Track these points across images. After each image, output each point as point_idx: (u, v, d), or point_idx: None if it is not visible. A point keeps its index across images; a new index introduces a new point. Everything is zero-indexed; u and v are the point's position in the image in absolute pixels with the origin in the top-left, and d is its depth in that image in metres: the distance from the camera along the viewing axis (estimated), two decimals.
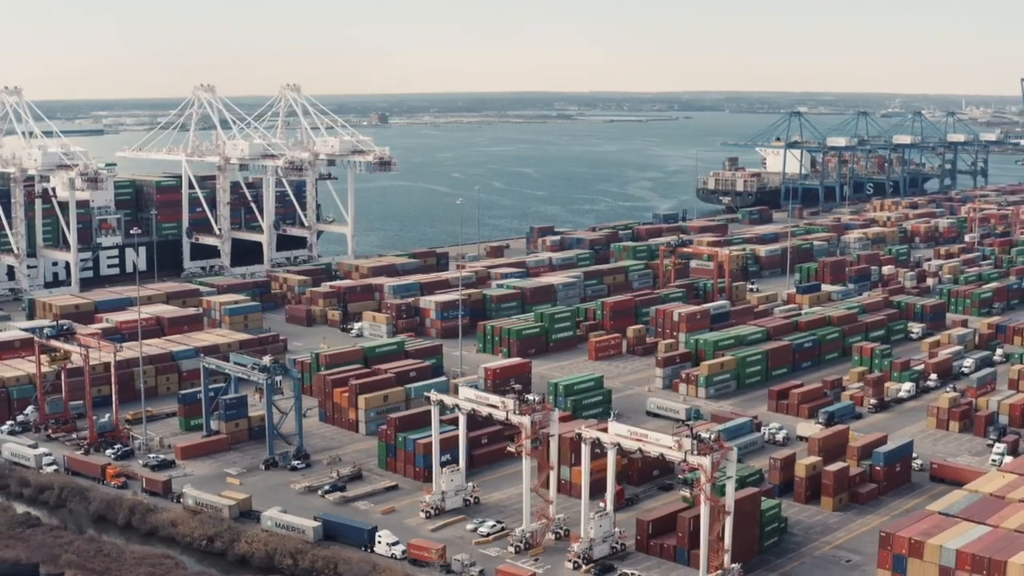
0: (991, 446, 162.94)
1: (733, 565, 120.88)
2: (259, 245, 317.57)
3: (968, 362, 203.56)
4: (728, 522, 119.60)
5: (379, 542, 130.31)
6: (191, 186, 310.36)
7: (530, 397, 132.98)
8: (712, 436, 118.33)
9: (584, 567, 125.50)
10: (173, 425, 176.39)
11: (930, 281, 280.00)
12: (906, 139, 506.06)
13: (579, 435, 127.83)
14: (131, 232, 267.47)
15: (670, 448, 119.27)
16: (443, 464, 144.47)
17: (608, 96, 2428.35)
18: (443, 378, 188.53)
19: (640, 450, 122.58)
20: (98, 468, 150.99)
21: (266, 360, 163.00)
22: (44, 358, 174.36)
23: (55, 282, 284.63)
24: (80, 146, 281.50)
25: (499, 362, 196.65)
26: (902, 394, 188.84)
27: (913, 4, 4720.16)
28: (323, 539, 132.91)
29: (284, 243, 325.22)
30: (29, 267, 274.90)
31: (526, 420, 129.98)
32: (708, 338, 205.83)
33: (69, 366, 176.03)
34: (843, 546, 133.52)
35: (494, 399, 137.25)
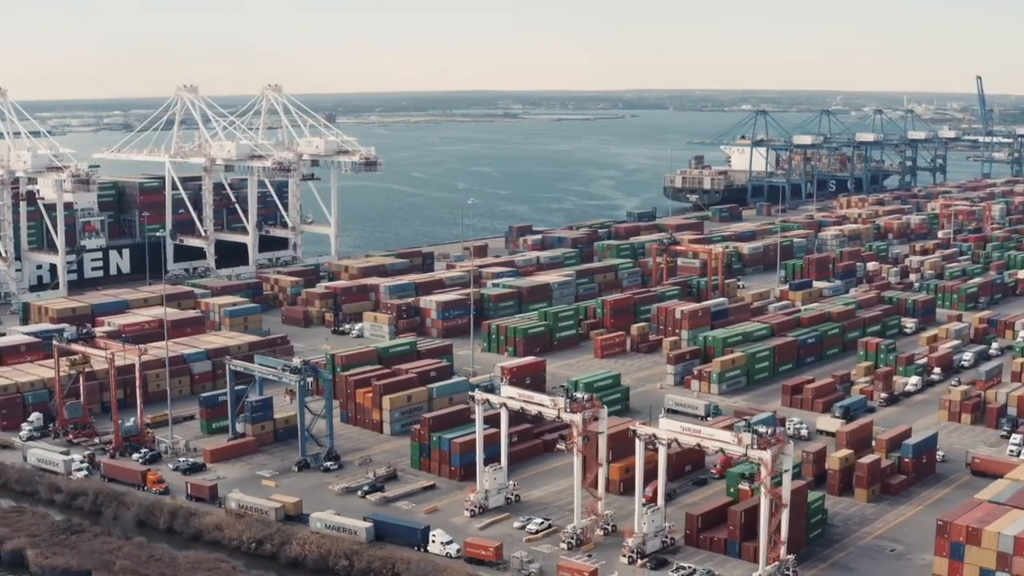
0: (1006, 437, 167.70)
1: (789, 556, 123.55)
2: (241, 246, 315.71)
3: (968, 356, 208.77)
4: (785, 514, 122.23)
5: (433, 541, 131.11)
6: (175, 187, 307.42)
7: (579, 395, 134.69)
8: (769, 431, 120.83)
9: (640, 562, 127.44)
10: (193, 428, 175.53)
11: (912, 277, 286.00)
12: (869, 137, 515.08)
13: (634, 432, 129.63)
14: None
15: (729, 443, 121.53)
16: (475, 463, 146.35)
17: (552, 95, 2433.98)
18: (462, 378, 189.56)
19: (699, 445, 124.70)
20: (138, 474, 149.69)
21: (296, 362, 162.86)
22: (63, 362, 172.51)
23: (39, 285, 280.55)
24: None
25: (515, 361, 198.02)
26: (909, 388, 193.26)
27: (852, 2, 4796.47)
28: (374, 540, 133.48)
29: (265, 244, 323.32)
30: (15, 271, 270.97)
31: (577, 418, 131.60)
32: (717, 335, 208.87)
33: (87, 370, 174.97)
34: (884, 536, 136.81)
35: (543, 398, 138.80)
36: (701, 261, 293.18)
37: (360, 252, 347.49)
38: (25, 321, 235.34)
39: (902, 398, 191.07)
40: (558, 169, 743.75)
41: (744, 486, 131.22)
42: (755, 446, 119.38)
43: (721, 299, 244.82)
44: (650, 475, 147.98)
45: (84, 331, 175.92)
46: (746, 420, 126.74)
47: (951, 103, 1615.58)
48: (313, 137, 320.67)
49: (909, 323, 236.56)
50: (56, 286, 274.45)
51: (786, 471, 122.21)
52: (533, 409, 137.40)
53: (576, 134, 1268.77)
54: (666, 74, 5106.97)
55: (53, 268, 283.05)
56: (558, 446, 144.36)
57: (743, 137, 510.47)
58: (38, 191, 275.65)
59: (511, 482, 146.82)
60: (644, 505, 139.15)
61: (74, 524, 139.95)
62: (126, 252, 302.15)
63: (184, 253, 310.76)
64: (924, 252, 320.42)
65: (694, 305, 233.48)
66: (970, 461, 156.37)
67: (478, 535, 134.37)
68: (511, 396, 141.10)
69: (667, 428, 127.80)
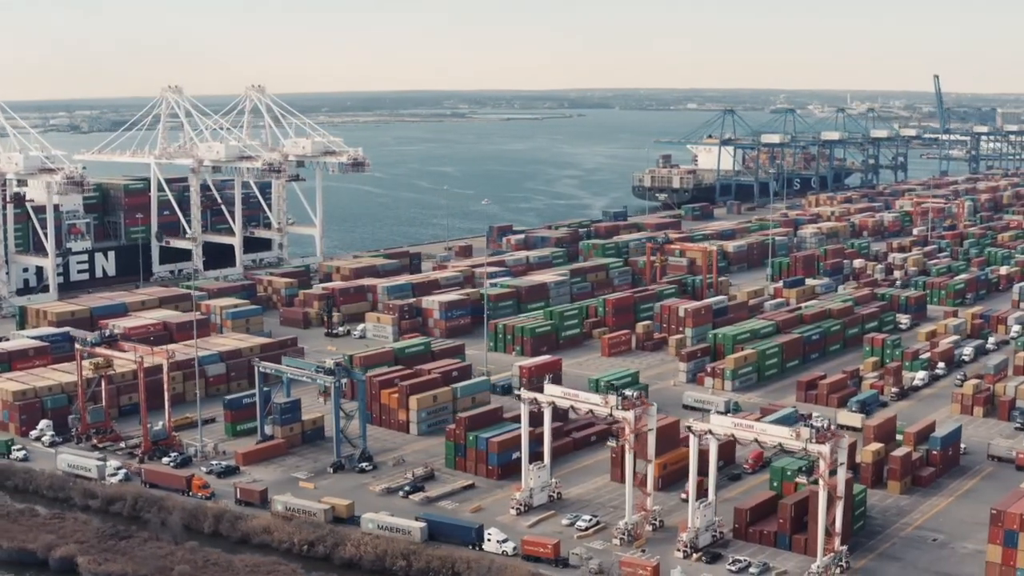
0: (1020, 429, 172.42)
1: (842, 547, 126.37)
2: (226, 248, 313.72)
3: (968, 350, 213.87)
4: (839, 507, 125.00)
5: (488, 540, 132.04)
6: (160, 189, 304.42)
7: (628, 393, 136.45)
8: (825, 425, 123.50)
9: (695, 555, 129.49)
10: (215, 430, 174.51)
11: (896, 273, 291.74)
12: (834, 135, 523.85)
13: (689, 428, 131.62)
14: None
15: (788, 437, 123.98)
16: (513, 461, 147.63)
17: (498, 94, 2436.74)
18: (484, 377, 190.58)
19: (757, 440, 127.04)
20: (183, 479, 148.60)
21: (330, 363, 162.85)
22: (86, 365, 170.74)
23: (26, 288, 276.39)
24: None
25: (532, 360, 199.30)
26: (916, 382, 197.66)
27: (792, 1, 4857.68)
28: (428, 540, 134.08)
29: (249, 245, 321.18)
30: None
31: (630, 415, 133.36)
32: (727, 333, 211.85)
33: (109, 373, 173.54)
34: (923, 526, 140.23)
35: (590, 396, 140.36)
36: (688, 259, 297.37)
37: (340, 253, 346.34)
38: (22, 324, 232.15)
39: (911, 393, 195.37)
40: (518, 169, 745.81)
41: (802, 480, 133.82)
42: (813, 440, 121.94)
43: (721, 297, 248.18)
44: (684, 472, 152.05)
45: (107, 334, 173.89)
46: (802, 415, 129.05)
47: (893, 101, 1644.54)
48: (299, 138, 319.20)
49: (903, 319, 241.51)
50: (44, 289, 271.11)
51: (841, 464, 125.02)
52: (583, 408, 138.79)
53: (527, 134, 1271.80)
54: (611, 74, 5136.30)
55: (39, 271, 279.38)
56: (608, 443, 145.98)
57: (710, 136, 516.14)
58: (25, 193, 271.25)
59: (553, 480, 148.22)
60: (686, 500, 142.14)
61: (121, 530, 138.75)
62: (111, 254, 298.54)
63: (169, 255, 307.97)
64: (901, 249, 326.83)
65: (697, 303, 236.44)
66: (1009, 456, 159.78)
67: (528, 533, 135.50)
68: (558, 395, 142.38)
69: (721, 424, 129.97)
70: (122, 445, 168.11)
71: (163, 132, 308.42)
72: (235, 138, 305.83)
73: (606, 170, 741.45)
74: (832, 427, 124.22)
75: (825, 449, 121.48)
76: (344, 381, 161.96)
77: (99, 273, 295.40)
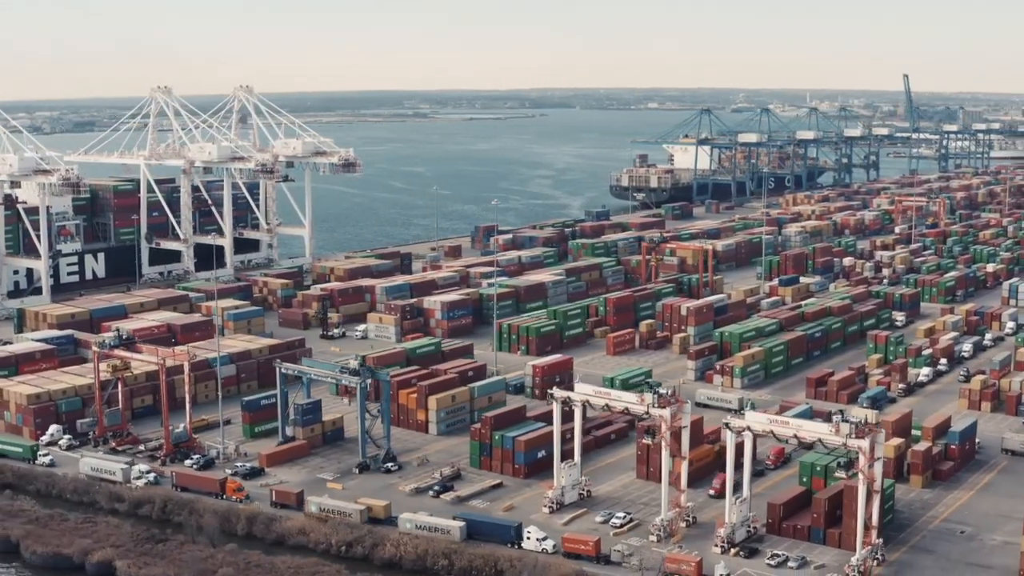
0: None
1: (878, 540, 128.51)
2: (215, 249, 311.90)
3: (967, 347, 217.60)
4: (877, 501, 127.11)
5: (528, 538, 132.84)
6: (150, 190, 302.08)
7: (663, 391, 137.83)
8: (864, 421, 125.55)
9: (733, 550, 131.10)
10: (233, 432, 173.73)
11: (885, 271, 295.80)
12: (809, 135, 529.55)
13: (727, 424, 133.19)
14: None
15: (827, 433, 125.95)
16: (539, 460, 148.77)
17: (458, 94, 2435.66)
18: (500, 376, 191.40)
19: (796, 436, 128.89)
20: (216, 483, 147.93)
21: (354, 363, 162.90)
22: (103, 367, 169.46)
23: (17, 291, 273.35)
24: None
25: (545, 359, 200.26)
26: (921, 378, 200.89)
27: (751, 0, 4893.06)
28: (467, 538, 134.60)
29: (237, 246, 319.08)
30: None
31: (666, 413, 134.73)
32: (734, 331, 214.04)
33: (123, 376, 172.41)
34: (949, 519, 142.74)
35: (623, 394, 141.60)
36: (679, 259, 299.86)
37: (326, 253, 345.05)
38: (20, 327, 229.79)
39: (917, 389, 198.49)
40: (489, 169, 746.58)
41: (840, 474, 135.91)
42: (853, 435, 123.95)
43: (721, 295, 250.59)
44: (707, 468, 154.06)
45: (124, 336, 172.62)
46: (840, 411, 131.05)
47: (853, 100, 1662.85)
48: (289, 138, 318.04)
49: (899, 316, 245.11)
50: (35, 292, 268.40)
51: (878, 459, 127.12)
52: (618, 406, 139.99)
53: (492, 133, 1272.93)
54: (570, 73, 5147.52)
55: (30, 273, 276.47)
56: (643, 440, 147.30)
57: (686, 136, 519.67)
58: (17, 196, 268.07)
59: (583, 478, 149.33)
60: (714, 496, 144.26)
61: (156, 533, 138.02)
62: (101, 256, 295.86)
63: (158, 256, 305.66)
64: (885, 247, 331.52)
65: (699, 302, 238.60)
66: (1023, 450, 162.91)
67: (564, 531, 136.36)
68: (590, 393, 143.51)
69: (759, 420, 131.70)
70: (141, 448, 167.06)
71: (152, 133, 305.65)
72: (227, 139, 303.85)
73: (577, 169, 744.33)
74: (871, 422, 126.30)
75: (865, 443, 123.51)
76: (368, 382, 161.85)
77: (89, 275, 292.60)
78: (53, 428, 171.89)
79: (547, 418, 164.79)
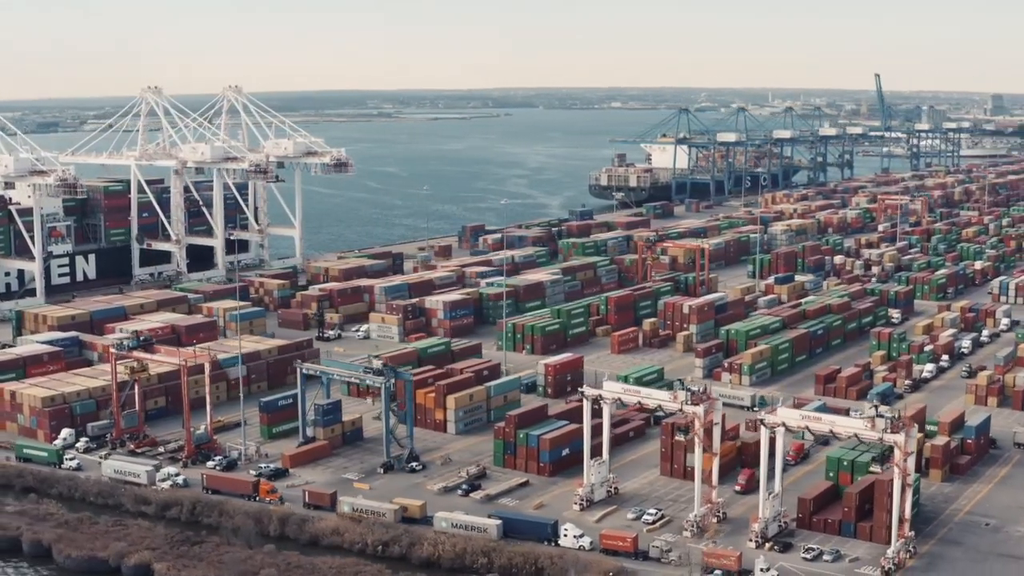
0: None
1: (910, 533, 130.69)
2: (206, 250, 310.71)
3: (966, 343, 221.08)
4: (909, 494, 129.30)
5: (564, 535, 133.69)
6: (141, 190, 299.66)
7: (694, 388, 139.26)
8: (898, 416, 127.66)
9: (767, 545, 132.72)
10: (250, 433, 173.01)
11: (875, 269, 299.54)
12: (785, 134, 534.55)
13: (761, 421, 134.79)
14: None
15: (863, 428, 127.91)
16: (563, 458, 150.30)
17: (420, 93, 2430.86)
18: (516, 375, 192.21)
19: (831, 431, 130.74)
20: (249, 485, 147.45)
21: (377, 363, 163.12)
22: (121, 369, 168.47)
23: (8, 293, 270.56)
24: None
25: (557, 358, 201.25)
26: (925, 375, 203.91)
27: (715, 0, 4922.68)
28: (503, 536, 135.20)
29: (227, 247, 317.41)
30: None
31: (700, 410, 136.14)
32: (740, 329, 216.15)
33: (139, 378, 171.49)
34: (973, 512, 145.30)
35: (652, 392, 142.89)
36: (671, 257, 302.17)
37: (313, 254, 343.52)
38: (19, 329, 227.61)
39: (921, 385, 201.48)
40: (463, 168, 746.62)
41: (875, 468, 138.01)
42: (889, 430, 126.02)
43: (721, 294, 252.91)
44: (729, 465, 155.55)
45: (142, 338, 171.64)
46: (875, 406, 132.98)
47: (815, 99, 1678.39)
48: (280, 138, 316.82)
49: (895, 314, 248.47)
50: (25, 293, 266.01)
51: (911, 453, 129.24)
52: (650, 403, 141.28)
53: (460, 133, 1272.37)
54: (531, 73, 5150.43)
55: (21, 275, 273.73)
56: (677, 437, 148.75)
57: (664, 135, 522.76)
58: (11, 197, 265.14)
59: (611, 475, 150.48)
60: (741, 492, 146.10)
61: (190, 535, 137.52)
62: (92, 257, 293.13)
63: (148, 257, 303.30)
64: (869, 245, 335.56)
65: (700, 300, 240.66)
66: None
67: (595, 528, 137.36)
68: (621, 391, 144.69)
69: (794, 416, 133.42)
70: (161, 450, 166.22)
71: (143, 133, 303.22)
72: (219, 139, 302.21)
73: (551, 169, 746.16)
74: (904, 417, 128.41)
75: (900, 438, 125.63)
76: (393, 382, 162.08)
77: (80, 276, 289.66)
78: (65, 432, 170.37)
79: (566, 416, 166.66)
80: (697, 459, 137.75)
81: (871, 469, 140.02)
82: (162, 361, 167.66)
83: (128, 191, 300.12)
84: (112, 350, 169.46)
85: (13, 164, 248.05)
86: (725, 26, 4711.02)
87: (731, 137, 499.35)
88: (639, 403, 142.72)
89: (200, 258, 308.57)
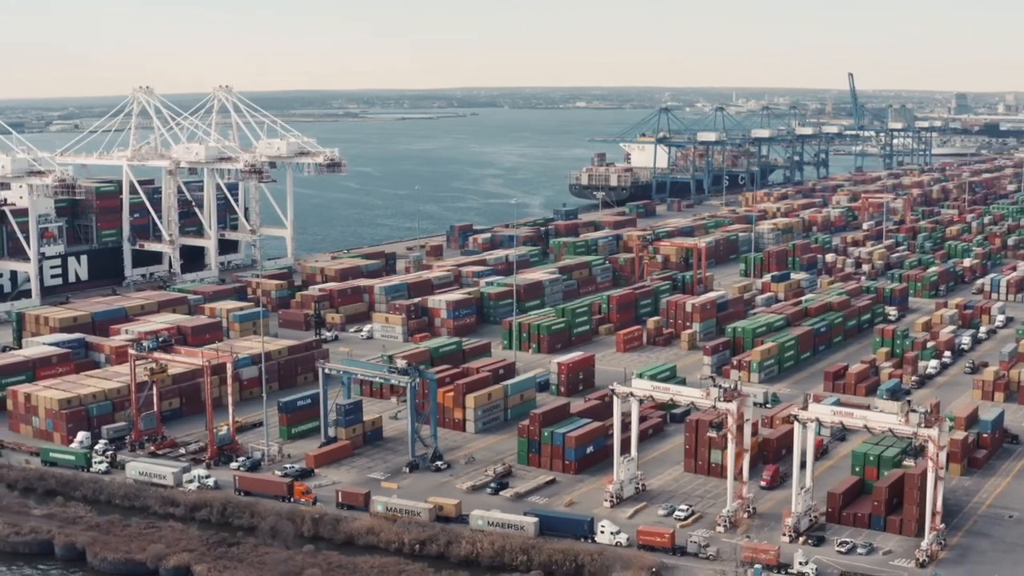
0: None
1: (941, 525, 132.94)
2: (195, 250, 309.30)
3: (966, 339, 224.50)
4: (941, 487, 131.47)
5: (601, 532, 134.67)
6: (133, 191, 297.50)
7: (726, 384, 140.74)
8: (930, 410, 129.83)
9: (801, 539, 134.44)
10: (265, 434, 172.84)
11: (865, 267, 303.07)
12: (764, 133, 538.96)
13: (794, 417, 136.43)
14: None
15: (897, 423, 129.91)
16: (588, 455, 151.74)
17: (384, 93, 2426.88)
18: (531, 374, 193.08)
19: (866, 426, 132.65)
20: (283, 486, 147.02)
21: (401, 363, 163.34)
22: (140, 370, 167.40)
23: (1, 294, 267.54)
24: None
25: (569, 357, 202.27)
26: (929, 370, 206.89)
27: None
28: (540, 534, 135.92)
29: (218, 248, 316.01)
30: None
31: (733, 406, 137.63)
32: (746, 326, 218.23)
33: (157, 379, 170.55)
34: (995, 505, 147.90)
35: (684, 389, 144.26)
36: (663, 256, 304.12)
37: (302, 254, 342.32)
38: (19, 331, 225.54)
39: (927, 381, 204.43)
40: (437, 168, 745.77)
41: (909, 462, 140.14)
42: (923, 425, 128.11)
43: (722, 292, 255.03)
44: (752, 461, 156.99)
45: (162, 339, 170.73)
46: (907, 401, 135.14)
47: (778, 98, 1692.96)
48: (272, 138, 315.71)
49: (892, 311, 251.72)
50: (20, 295, 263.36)
51: (943, 447, 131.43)
52: (682, 400, 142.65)
53: (429, 133, 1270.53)
54: (495, 72, 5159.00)
55: (14, 276, 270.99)
56: (709, 434, 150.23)
57: (643, 135, 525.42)
58: (5, 198, 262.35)
59: (639, 472, 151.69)
60: (767, 488, 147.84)
61: (226, 537, 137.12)
62: (84, 258, 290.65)
63: (140, 258, 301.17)
64: (856, 243, 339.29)
65: (702, 298, 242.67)
66: None
67: (627, 524, 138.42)
68: (650, 388, 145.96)
69: (826, 411, 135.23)
70: (182, 451, 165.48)
71: (134, 133, 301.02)
72: (214, 139, 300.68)
73: (525, 168, 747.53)
74: (936, 412, 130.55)
75: (935, 432, 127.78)
76: (418, 381, 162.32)
77: (72, 278, 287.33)
78: (81, 435, 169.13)
79: (586, 414, 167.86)
80: (730, 455, 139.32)
81: (905, 463, 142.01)
82: (183, 362, 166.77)
83: (120, 192, 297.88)
84: (131, 351, 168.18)
85: (11, 164, 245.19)
86: (688, 26, 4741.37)
87: (712, 136, 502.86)
88: (671, 399, 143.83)
89: (190, 259, 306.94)
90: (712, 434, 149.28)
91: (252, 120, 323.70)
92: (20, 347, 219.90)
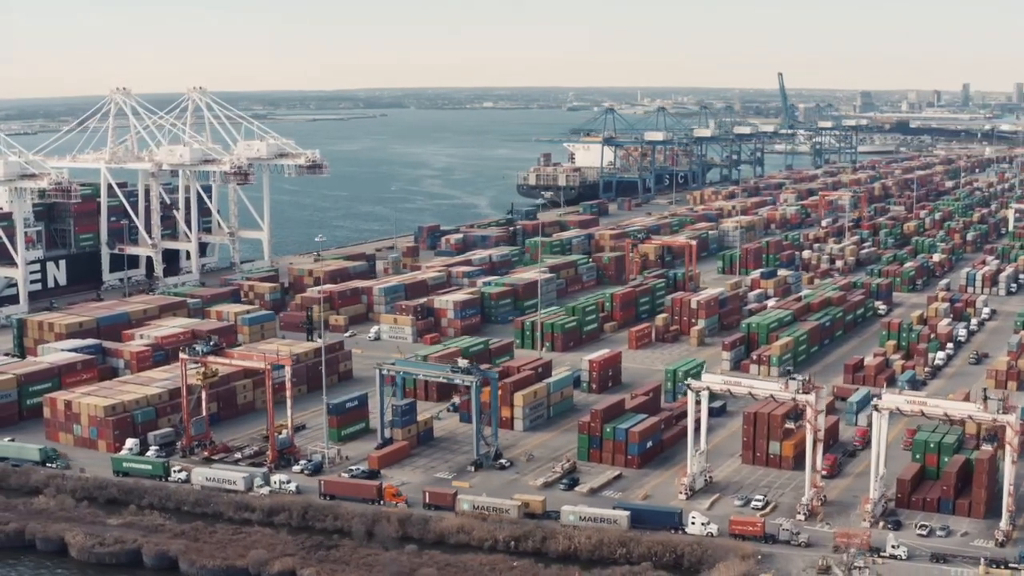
0: None
1: (1013, 507, 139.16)
2: (171, 253, 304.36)
3: (961, 331, 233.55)
4: (1014, 470, 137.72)
5: (692, 523, 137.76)
6: (111, 194, 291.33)
7: (799, 377, 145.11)
8: (1004, 398, 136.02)
9: (880, 524, 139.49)
10: (314, 436, 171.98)
11: (838, 263, 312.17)
12: (706, 132, 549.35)
13: (875, 406, 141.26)
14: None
15: (975, 410, 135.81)
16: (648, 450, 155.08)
17: (288, 94, 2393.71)
18: (572, 370, 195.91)
19: (947, 414, 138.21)
20: (373, 489, 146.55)
21: (463, 363, 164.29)
22: (191, 375, 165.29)
23: None
24: None
25: (598, 354, 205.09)
26: (937, 362, 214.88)
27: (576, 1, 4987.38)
28: (631, 527, 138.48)
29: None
30: None
31: (812, 398, 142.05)
32: (760, 322, 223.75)
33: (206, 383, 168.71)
34: None
35: (758, 382, 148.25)
36: (642, 254, 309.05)
37: (275, 256, 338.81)
38: (20, 336, 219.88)
39: (937, 372, 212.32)
40: (370, 169, 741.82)
41: (987, 447, 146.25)
42: (1002, 411, 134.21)
43: (720, 289, 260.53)
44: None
45: (212, 343, 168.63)
46: (983, 390, 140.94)
47: (681, 97, 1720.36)
48: (251, 140, 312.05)
49: (881, 305, 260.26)
50: (3, 302, 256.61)
51: (1019, 433, 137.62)
52: (761, 393, 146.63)
53: (345, 134, 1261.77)
54: (395, 73, 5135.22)
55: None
56: (787, 425, 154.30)
57: (588, 134, 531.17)
58: None
59: (707, 464, 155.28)
60: (825, 477, 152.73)
61: (323, 540, 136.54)
62: (62, 263, 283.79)
63: (118, 263, 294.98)
64: (817, 240, 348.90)
65: (706, 295, 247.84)
66: None
67: (709, 515, 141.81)
68: (720, 383, 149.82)
69: (906, 400, 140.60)
70: (237, 456, 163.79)
71: (112, 135, 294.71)
72: (197, 141, 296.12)
73: (459, 169, 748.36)
74: (1009, 400, 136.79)
75: (1012, 418, 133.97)
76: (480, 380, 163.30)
77: (51, 283, 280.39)
78: (130, 442, 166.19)
79: (641, 410, 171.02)
80: (809, 446, 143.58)
81: (983, 447, 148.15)
82: (240, 366, 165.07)
83: (97, 195, 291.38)
84: (183, 355, 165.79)
85: (3, 168, 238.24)
86: (588, 26, 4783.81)
87: (659, 136, 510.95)
88: (749, 393, 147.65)
89: (165, 262, 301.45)
90: (790, 425, 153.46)
91: (227, 120, 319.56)
92: (23, 354, 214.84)
